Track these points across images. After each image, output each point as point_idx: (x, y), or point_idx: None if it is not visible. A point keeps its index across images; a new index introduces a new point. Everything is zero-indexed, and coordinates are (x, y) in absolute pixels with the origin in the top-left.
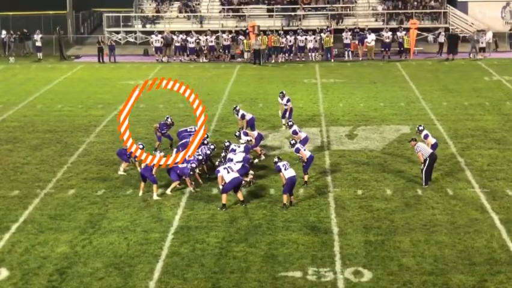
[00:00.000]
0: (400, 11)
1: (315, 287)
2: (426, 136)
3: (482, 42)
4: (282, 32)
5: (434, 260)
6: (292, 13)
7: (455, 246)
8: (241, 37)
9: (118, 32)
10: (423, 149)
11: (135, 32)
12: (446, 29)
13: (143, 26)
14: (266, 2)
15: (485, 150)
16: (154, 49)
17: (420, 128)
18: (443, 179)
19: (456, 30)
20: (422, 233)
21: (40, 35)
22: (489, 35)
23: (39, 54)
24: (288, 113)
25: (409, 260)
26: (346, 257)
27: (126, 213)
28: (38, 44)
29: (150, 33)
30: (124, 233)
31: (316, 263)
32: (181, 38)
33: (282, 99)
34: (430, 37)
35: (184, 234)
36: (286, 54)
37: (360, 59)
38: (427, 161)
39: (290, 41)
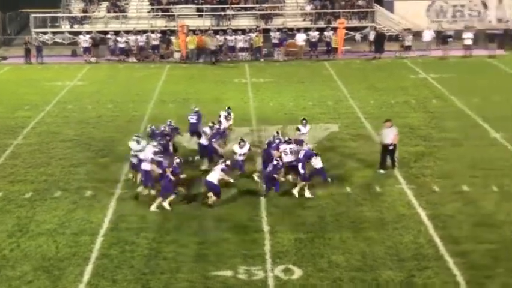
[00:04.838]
0: (328, 11)
1: (246, 286)
2: None
3: (408, 41)
4: (211, 32)
5: (362, 257)
6: (222, 13)
7: (384, 242)
8: (171, 37)
9: (45, 33)
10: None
11: (63, 33)
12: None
13: (71, 27)
14: (195, 1)
15: (412, 147)
16: (82, 49)
17: None
18: (371, 176)
19: (383, 29)
20: (351, 229)
21: None
22: (430, 34)
23: None
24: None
25: (338, 257)
26: (276, 255)
27: (55, 215)
28: None
29: (78, 33)
30: (53, 235)
31: (247, 261)
32: (112, 39)
33: (304, 127)
34: (358, 36)
35: (113, 236)
36: (218, 54)
37: (284, 59)
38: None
39: (220, 41)
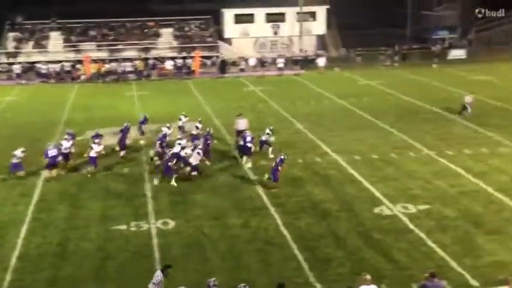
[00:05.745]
0: (188, 45)
1: (136, 235)
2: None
3: (242, 65)
4: (108, 60)
5: (216, 210)
6: (115, 47)
7: (230, 198)
8: (78, 65)
9: None
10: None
11: (1, 64)
12: (217, 57)
13: (7, 59)
14: (95, 39)
15: None
16: (15, 75)
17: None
18: (223, 152)
19: (225, 57)
20: (209, 191)
21: None
22: (253, 60)
23: None
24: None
25: (200, 210)
26: (157, 212)
27: None
28: None
29: (12, 63)
30: None
31: (137, 218)
32: (37, 67)
33: (269, 133)
34: (208, 62)
35: (41, 206)
36: (113, 76)
37: (158, 78)
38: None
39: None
